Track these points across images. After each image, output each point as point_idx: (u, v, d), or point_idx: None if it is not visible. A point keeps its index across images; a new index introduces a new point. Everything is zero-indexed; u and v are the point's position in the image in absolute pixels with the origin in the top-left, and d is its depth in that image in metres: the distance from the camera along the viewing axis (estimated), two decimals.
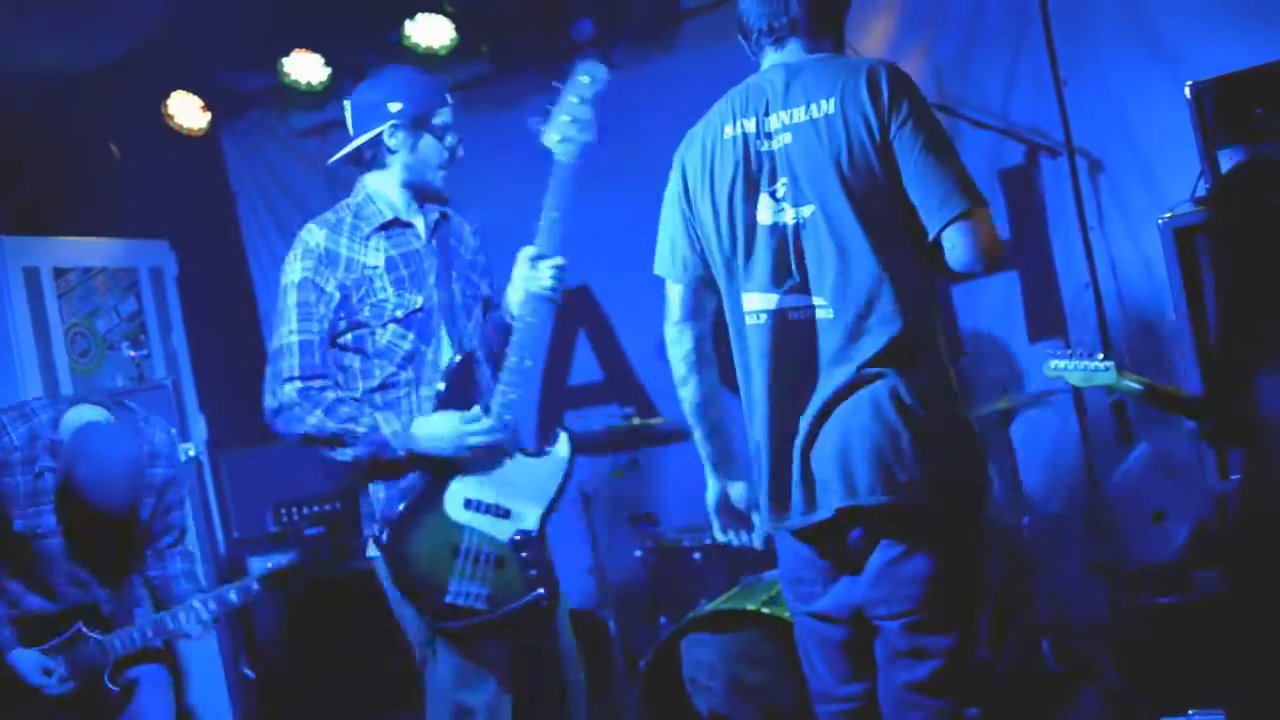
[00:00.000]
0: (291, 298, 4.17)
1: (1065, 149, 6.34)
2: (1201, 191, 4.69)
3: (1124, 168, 6.26)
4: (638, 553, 6.39)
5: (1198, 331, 4.62)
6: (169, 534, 4.89)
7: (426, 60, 7.34)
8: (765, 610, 5.35)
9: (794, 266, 3.50)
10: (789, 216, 3.50)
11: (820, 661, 3.72)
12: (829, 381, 3.45)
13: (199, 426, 7.51)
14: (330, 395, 4.13)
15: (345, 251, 4.20)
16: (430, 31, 7.13)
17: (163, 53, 7.11)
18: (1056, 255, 6.47)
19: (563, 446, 4.33)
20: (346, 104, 4.37)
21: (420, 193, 4.39)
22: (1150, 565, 5.54)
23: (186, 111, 7.54)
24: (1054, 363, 5.05)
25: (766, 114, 3.55)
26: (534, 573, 4.15)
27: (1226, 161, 4.61)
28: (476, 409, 4.16)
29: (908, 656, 3.49)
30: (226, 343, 8.04)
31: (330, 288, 4.16)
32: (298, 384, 4.11)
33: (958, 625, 3.48)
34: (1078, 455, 6.35)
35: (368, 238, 4.25)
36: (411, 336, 4.23)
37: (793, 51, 3.64)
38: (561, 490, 4.29)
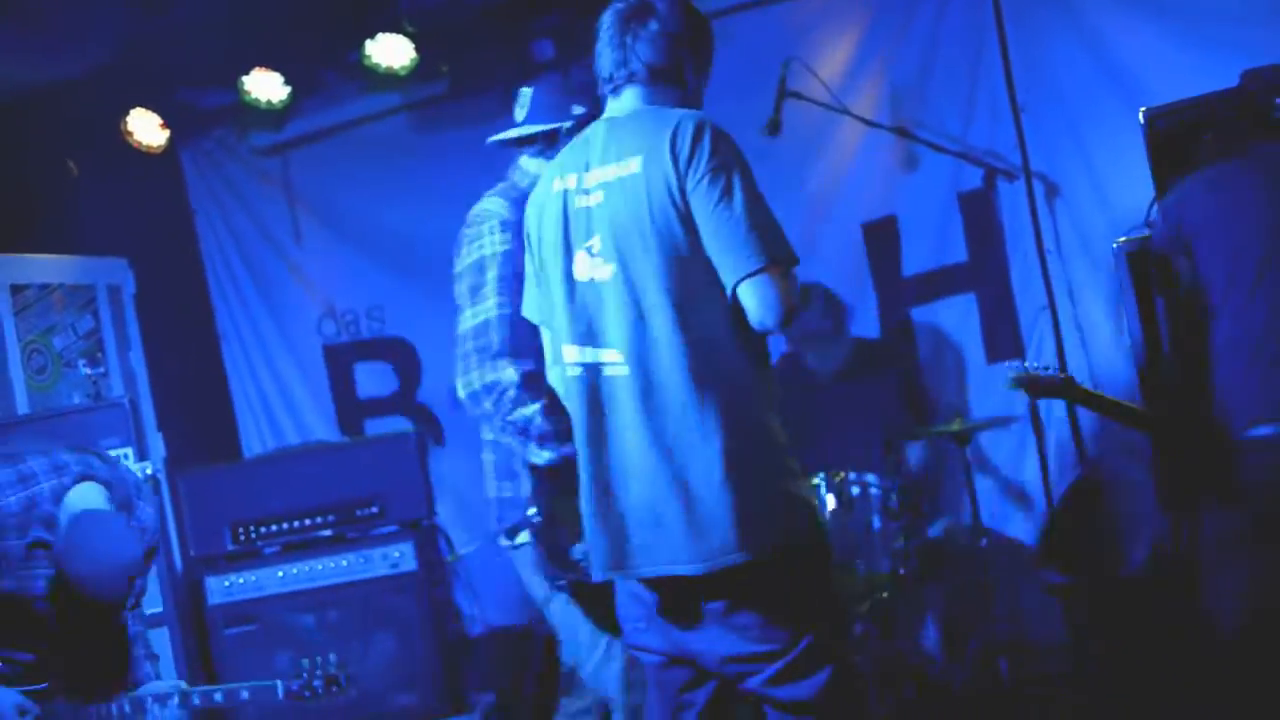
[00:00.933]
0: (493, 270, 4.17)
1: (1023, 173, 6.39)
2: (1154, 215, 4.74)
3: (1080, 192, 6.32)
4: None
5: (1150, 353, 4.67)
6: (132, 596, 4.86)
7: (386, 80, 7.35)
8: None
9: (599, 323, 3.54)
10: (600, 274, 3.53)
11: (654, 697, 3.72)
12: (633, 440, 3.47)
13: (157, 445, 7.46)
14: (543, 400, 4.06)
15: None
16: (390, 51, 7.13)
17: (122, 70, 7.08)
18: (1014, 278, 6.52)
19: None
20: (526, 91, 4.42)
21: None
22: (1107, 584, 5.57)
23: (146, 129, 7.51)
24: (1016, 376, 5.10)
25: (587, 169, 3.59)
26: None
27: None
28: None
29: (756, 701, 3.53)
30: (185, 361, 8.00)
31: (521, 263, 3.97)
32: (506, 364, 4.08)
33: (794, 671, 3.45)
34: (1035, 476, 6.39)
35: None
36: None
37: (628, 100, 3.69)
38: None
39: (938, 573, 6.26)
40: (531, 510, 4.08)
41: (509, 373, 4.02)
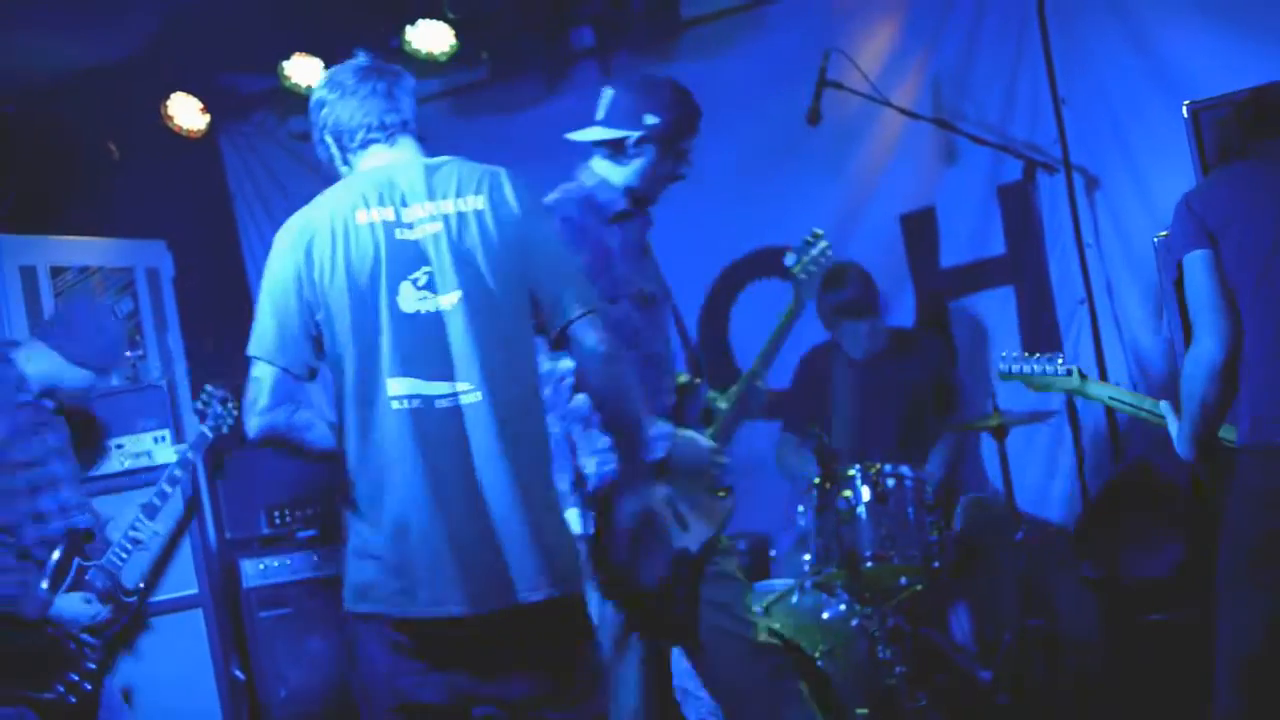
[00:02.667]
0: None
1: (1063, 165, 6.36)
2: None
3: (1121, 185, 6.28)
4: None
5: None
6: None
7: (426, 66, 7.36)
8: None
9: (439, 353, 3.49)
10: (433, 305, 3.51)
11: None
12: (487, 471, 3.45)
13: (194, 427, 7.49)
14: None
15: (592, 225, 4.32)
16: (431, 37, 7.14)
17: (163, 54, 7.12)
18: (1052, 271, 6.48)
19: (731, 497, 4.44)
20: (607, 90, 4.46)
21: (638, 199, 4.47)
22: (1143, 580, 5.54)
23: (186, 113, 7.54)
24: (1007, 366, 5.06)
25: (405, 204, 3.59)
26: (682, 592, 4.20)
27: None
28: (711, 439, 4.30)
29: None
30: (222, 344, 8.02)
31: (579, 259, 4.04)
32: (561, 353, 3.93)
33: (589, 703, 3.58)
34: (1071, 471, 6.36)
35: (609, 220, 4.37)
36: (639, 317, 4.31)
37: (409, 147, 3.78)
38: (720, 534, 4.39)
39: (973, 566, 6.24)
40: (589, 522, 4.12)
41: (565, 362, 3.97)
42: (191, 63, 7.33)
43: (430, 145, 7.75)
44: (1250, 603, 3.81)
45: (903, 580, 5.70)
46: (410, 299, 3.53)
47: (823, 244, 4.79)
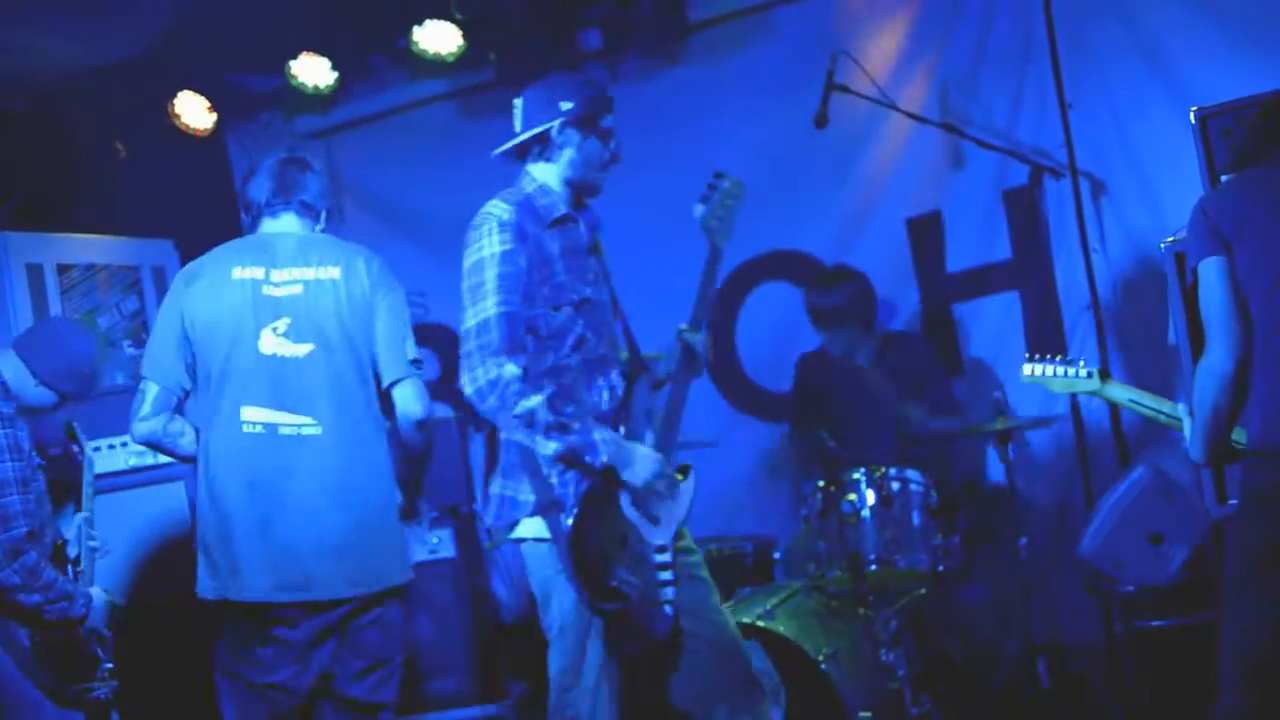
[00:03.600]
0: (492, 270, 4.23)
1: (1069, 170, 6.36)
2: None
3: (1127, 190, 6.28)
4: None
5: (1196, 357, 4.62)
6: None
7: (433, 67, 7.37)
8: (761, 624, 5.36)
9: (290, 390, 4.47)
10: (288, 350, 4.51)
11: None
12: (317, 488, 4.46)
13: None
14: (550, 388, 4.19)
15: (532, 231, 4.31)
16: (438, 38, 7.15)
17: (171, 53, 7.12)
18: (1059, 276, 6.48)
19: (690, 479, 4.47)
20: (517, 101, 4.52)
21: (581, 190, 4.51)
22: (1147, 587, 5.54)
23: (193, 111, 7.55)
24: (1030, 368, 5.02)
25: (274, 266, 4.57)
26: (669, 576, 4.23)
27: None
28: (657, 453, 4.30)
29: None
30: None
31: (523, 263, 4.25)
32: (506, 360, 4.15)
33: (392, 677, 4.63)
34: (1075, 475, 6.36)
35: (548, 225, 4.37)
36: (582, 323, 4.32)
37: (291, 222, 4.72)
38: (687, 517, 4.47)
39: (977, 571, 6.24)
40: (569, 548, 4.13)
41: (510, 368, 4.13)
42: (199, 62, 7.34)
43: (437, 145, 7.84)
44: (1257, 605, 3.80)
45: (907, 584, 5.70)
46: (269, 343, 4.51)
47: (726, 183, 4.69)
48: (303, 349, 4.51)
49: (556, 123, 4.41)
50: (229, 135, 8.16)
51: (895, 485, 5.72)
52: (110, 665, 4.83)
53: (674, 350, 4.51)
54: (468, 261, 4.32)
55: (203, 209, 8.01)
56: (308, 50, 7.35)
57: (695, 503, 4.37)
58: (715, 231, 4.63)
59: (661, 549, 4.24)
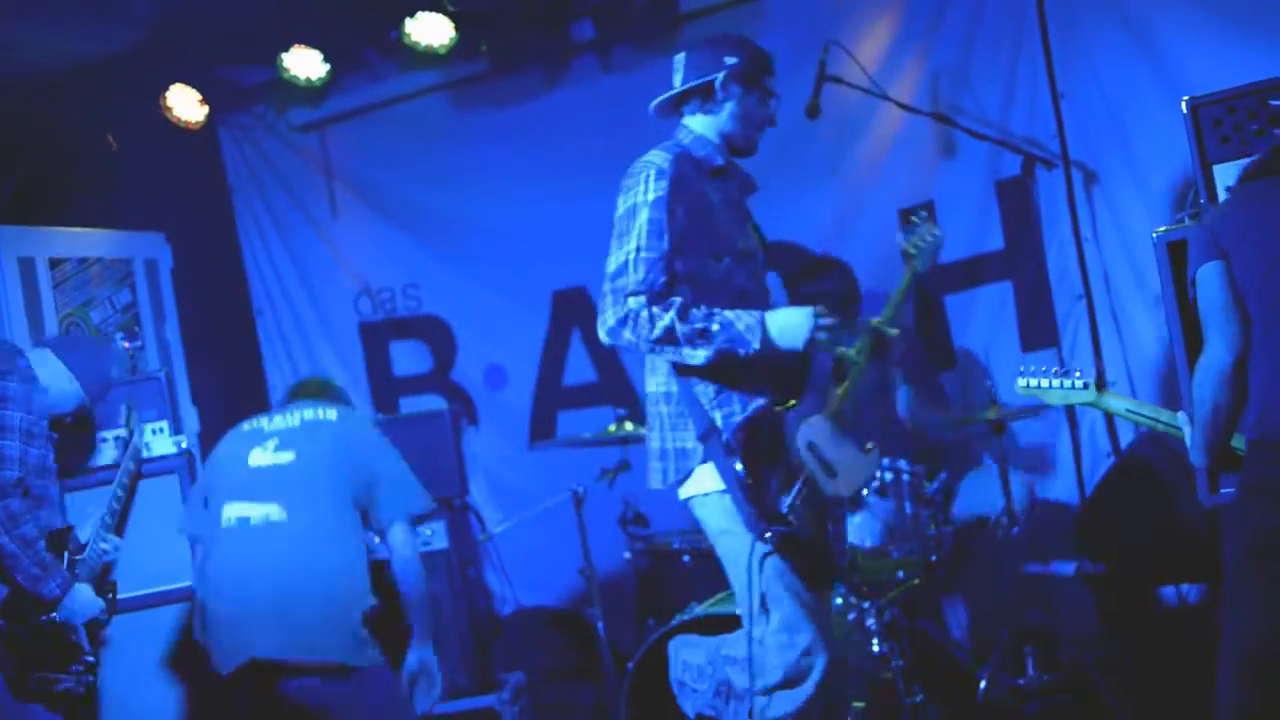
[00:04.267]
0: (643, 216, 4.24)
1: (1061, 160, 6.36)
2: (1197, 206, 4.70)
3: (1119, 180, 6.28)
4: (627, 555, 6.41)
5: (1188, 347, 4.63)
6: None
7: (425, 58, 7.36)
8: None
9: (269, 490, 5.11)
10: (272, 460, 5.20)
11: None
12: (285, 567, 5.01)
13: (191, 418, 7.50)
14: (678, 299, 4.20)
15: (692, 181, 4.35)
16: (430, 29, 7.15)
17: (162, 45, 7.12)
18: (1050, 266, 6.49)
19: (876, 450, 4.69)
20: (679, 57, 4.54)
21: (737, 146, 4.57)
22: (1138, 577, 5.55)
23: (185, 104, 7.54)
24: (1025, 380, 4.96)
25: (277, 413, 5.38)
26: (833, 529, 4.39)
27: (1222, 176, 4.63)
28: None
29: None
30: (220, 335, 8.05)
31: (679, 213, 4.28)
32: (641, 297, 4.17)
33: None
34: (1068, 466, 6.37)
35: (706, 175, 4.42)
36: (741, 274, 4.39)
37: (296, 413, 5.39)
38: (866, 485, 4.89)
39: (969, 561, 6.25)
40: (738, 466, 4.18)
41: (637, 299, 4.17)
42: (190, 54, 7.33)
43: (430, 137, 7.85)
44: (1255, 596, 3.81)
45: (900, 574, 5.70)
46: (257, 457, 5.23)
47: (924, 228, 4.97)
48: (285, 457, 5.20)
49: (720, 75, 4.44)
50: (221, 128, 8.16)
51: (889, 475, 5.72)
52: (90, 659, 4.84)
53: (863, 338, 4.74)
54: (621, 207, 4.33)
55: (195, 202, 8.02)
56: (299, 42, 7.33)
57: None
58: (914, 259, 4.91)
59: (836, 502, 4.29)
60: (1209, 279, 3.93)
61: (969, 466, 6.62)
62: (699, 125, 4.51)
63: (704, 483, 4.26)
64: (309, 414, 5.32)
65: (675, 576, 6.17)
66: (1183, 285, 4.18)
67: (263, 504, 5.08)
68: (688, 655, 5.34)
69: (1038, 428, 6.46)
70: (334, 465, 5.17)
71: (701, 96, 4.49)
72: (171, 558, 5.73)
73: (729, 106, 4.48)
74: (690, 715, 5.34)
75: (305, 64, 7.39)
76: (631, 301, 4.17)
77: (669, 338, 4.15)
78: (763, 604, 4.22)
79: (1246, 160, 4.48)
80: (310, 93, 7.73)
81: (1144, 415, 4.74)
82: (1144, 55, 6.15)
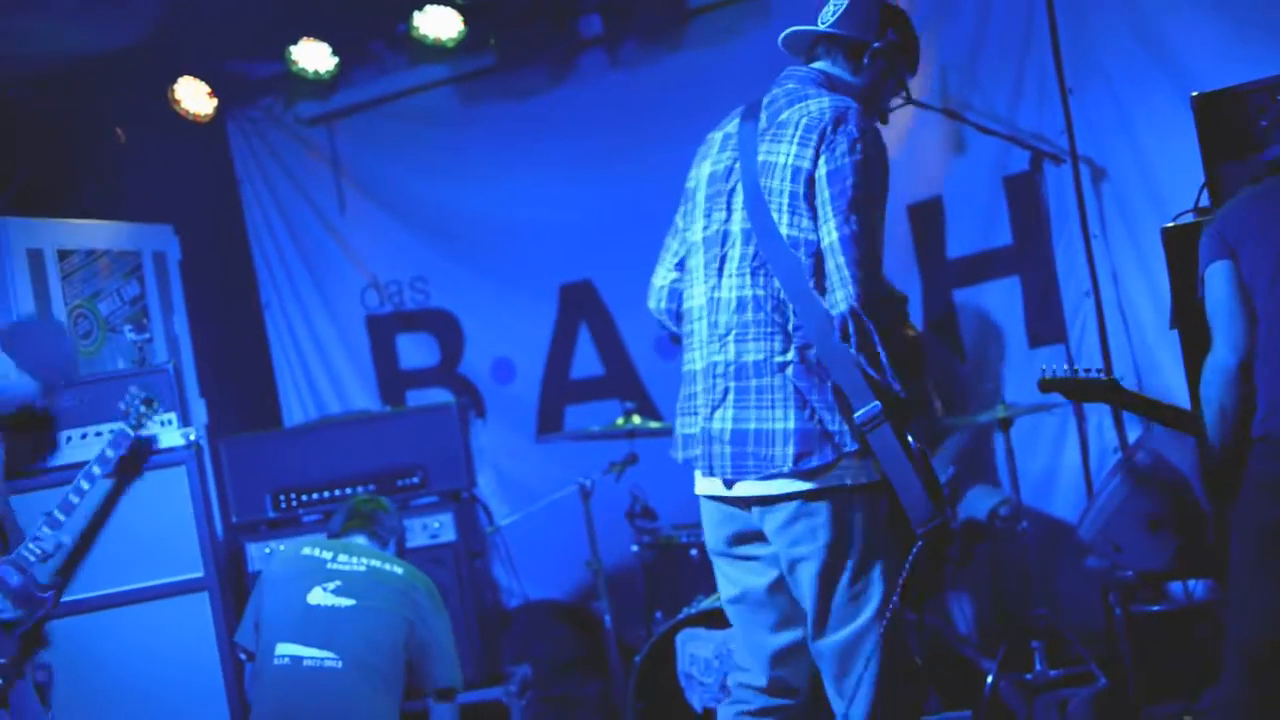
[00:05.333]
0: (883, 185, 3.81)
1: (1069, 156, 6.36)
2: (1204, 202, 4.70)
3: (1127, 176, 6.28)
4: (634, 548, 6.42)
5: (1187, 343, 4.63)
6: None
7: (434, 52, 7.37)
8: None
9: (326, 633, 5.09)
10: (330, 602, 5.17)
11: None
12: (331, 708, 5.10)
13: (199, 411, 7.51)
14: None
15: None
16: (438, 23, 7.15)
17: (171, 38, 7.11)
18: (1058, 262, 6.49)
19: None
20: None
21: None
22: (1145, 573, 5.56)
23: (193, 97, 7.55)
24: (1046, 381, 4.97)
25: (343, 552, 5.35)
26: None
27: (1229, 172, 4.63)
28: None
29: None
30: (228, 328, 8.06)
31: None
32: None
33: None
34: (1076, 462, 6.37)
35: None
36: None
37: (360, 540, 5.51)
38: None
39: (977, 556, 6.25)
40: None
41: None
42: (199, 47, 7.33)
43: (438, 130, 7.86)
44: (1261, 592, 3.82)
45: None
46: (316, 596, 5.19)
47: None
48: (345, 601, 5.19)
49: (878, 44, 3.95)
50: (229, 120, 8.18)
51: None
52: (2, 660, 4.83)
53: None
54: (848, 159, 3.71)
55: (203, 194, 8.03)
56: (308, 35, 7.34)
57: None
58: None
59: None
60: (1216, 279, 3.95)
61: (977, 461, 6.63)
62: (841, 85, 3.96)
63: (853, 471, 3.63)
64: (376, 563, 5.34)
65: (682, 570, 6.18)
66: (1183, 276, 4.20)
67: (318, 648, 5.12)
68: (695, 648, 5.36)
69: (1045, 422, 6.46)
70: (391, 622, 5.21)
71: (846, 53, 3.98)
72: (179, 549, 5.74)
73: (866, 79, 3.98)
74: (697, 709, 5.36)
75: (314, 57, 7.39)
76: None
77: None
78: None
79: (1255, 158, 4.51)
80: (319, 86, 7.73)
81: (1160, 412, 4.76)
82: (1152, 51, 6.15)
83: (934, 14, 6.74)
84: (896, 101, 4.11)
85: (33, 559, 4.97)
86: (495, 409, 7.85)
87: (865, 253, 3.63)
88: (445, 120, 7.79)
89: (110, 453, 5.37)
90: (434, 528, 6.40)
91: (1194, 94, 4.84)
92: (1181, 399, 4.81)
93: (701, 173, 4.00)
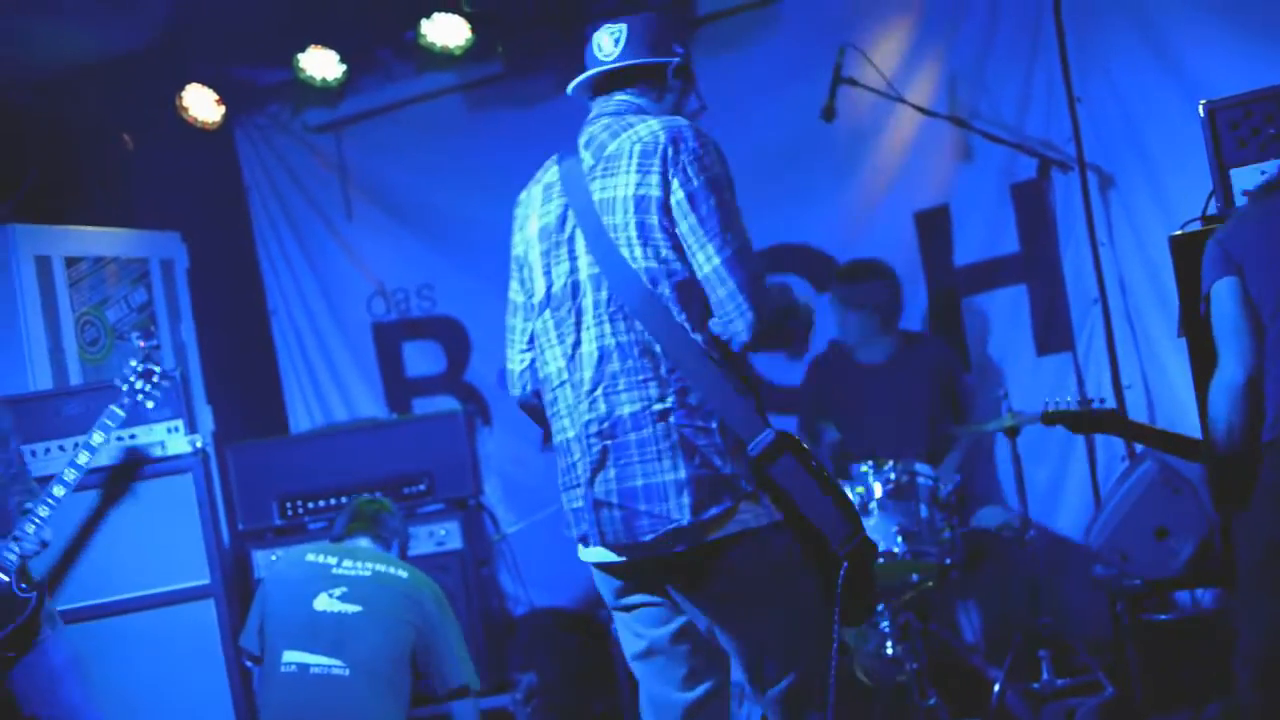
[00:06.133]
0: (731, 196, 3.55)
1: (1077, 164, 6.35)
2: (1213, 209, 4.69)
3: (1135, 184, 6.27)
4: None
5: (1194, 350, 4.62)
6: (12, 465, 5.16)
7: (441, 59, 7.37)
8: None
9: (333, 640, 5.07)
10: (338, 608, 5.11)
11: None
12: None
13: (206, 418, 7.51)
14: None
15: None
16: (446, 31, 7.15)
17: (178, 45, 7.12)
18: (1066, 270, 6.48)
19: None
20: (616, 27, 3.85)
21: None
22: (1153, 582, 5.54)
23: (201, 104, 7.55)
24: (1050, 414, 5.09)
25: (347, 558, 5.32)
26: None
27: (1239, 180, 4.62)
28: None
29: None
30: (235, 335, 8.06)
31: None
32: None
33: None
34: (1083, 470, 6.36)
35: None
36: None
37: (364, 542, 5.47)
38: None
39: (984, 564, 6.24)
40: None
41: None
42: (207, 54, 7.34)
43: (445, 138, 7.87)
44: (1272, 599, 3.80)
45: (914, 577, 5.70)
46: (323, 603, 5.15)
47: None
48: (351, 608, 5.15)
49: (674, 63, 3.79)
50: (237, 128, 8.18)
51: (904, 478, 5.72)
52: None
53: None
54: (700, 179, 3.49)
55: (211, 201, 8.04)
56: (316, 43, 7.34)
57: None
58: None
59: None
60: (1222, 296, 3.94)
61: (983, 471, 6.63)
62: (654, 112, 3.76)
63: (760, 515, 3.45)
64: (380, 567, 5.28)
65: None
66: (1191, 285, 4.20)
67: (325, 656, 5.08)
68: None
69: (1052, 431, 6.44)
70: (398, 629, 5.19)
71: (649, 80, 3.79)
72: (185, 556, 5.74)
73: (669, 102, 3.80)
74: None
75: (321, 65, 7.40)
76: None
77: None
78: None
79: (1259, 168, 4.50)
80: (326, 93, 7.73)
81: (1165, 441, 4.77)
82: (1160, 60, 6.14)
83: (942, 22, 6.74)
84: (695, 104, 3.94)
85: (14, 559, 4.88)
86: (501, 416, 7.84)
87: (751, 271, 3.43)
88: (452, 128, 7.79)
89: (98, 436, 5.25)
90: (440, 535, 6.40)
91: (1202, 101, 4.83)
92: (1189, 407, 4.79)
93: (529, 233, 3.75)
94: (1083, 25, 6.34)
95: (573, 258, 3.59)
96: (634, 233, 3.48)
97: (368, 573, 5.25)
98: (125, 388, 5.39)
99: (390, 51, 7.74)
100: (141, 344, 6.38)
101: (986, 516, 6.29)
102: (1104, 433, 5.08)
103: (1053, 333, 6.55)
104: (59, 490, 5.04)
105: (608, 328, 3.50)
